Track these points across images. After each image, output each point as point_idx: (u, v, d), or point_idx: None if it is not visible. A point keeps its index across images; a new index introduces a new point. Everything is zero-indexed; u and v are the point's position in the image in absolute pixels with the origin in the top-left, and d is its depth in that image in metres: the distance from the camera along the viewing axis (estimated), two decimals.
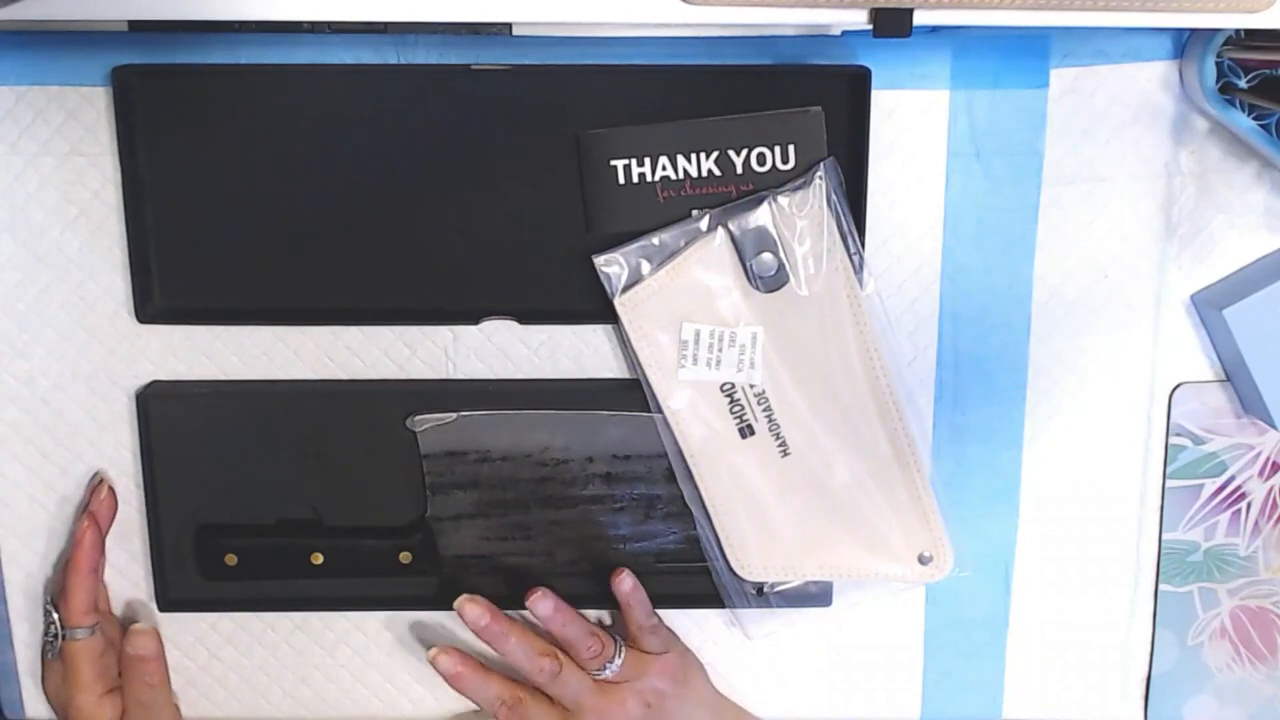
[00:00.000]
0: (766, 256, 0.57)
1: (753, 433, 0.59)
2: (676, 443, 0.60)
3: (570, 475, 0.61)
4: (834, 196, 0.56)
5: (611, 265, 0.58)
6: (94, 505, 0.60)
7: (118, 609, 0.63)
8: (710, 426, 0.59)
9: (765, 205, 0.57)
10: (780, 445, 0.60)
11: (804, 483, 0.60)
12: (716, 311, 0.58)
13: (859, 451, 0.60)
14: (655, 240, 0.57)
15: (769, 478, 0.60)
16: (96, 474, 0.61)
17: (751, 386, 0.59)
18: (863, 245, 0.57)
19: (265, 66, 0.56)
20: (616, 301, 0.58)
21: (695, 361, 0.58)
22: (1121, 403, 0.63)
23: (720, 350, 0.58)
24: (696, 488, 0.60)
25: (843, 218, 0.57)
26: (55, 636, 0.59)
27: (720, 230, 0.57)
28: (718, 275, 0.57)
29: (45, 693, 0.62)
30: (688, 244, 0.57)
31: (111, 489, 0.61)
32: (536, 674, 0.59)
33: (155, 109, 0.56)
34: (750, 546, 0.61)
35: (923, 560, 0.61)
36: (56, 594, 0.60)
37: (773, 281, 0.57)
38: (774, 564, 0.61)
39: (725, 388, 0.59)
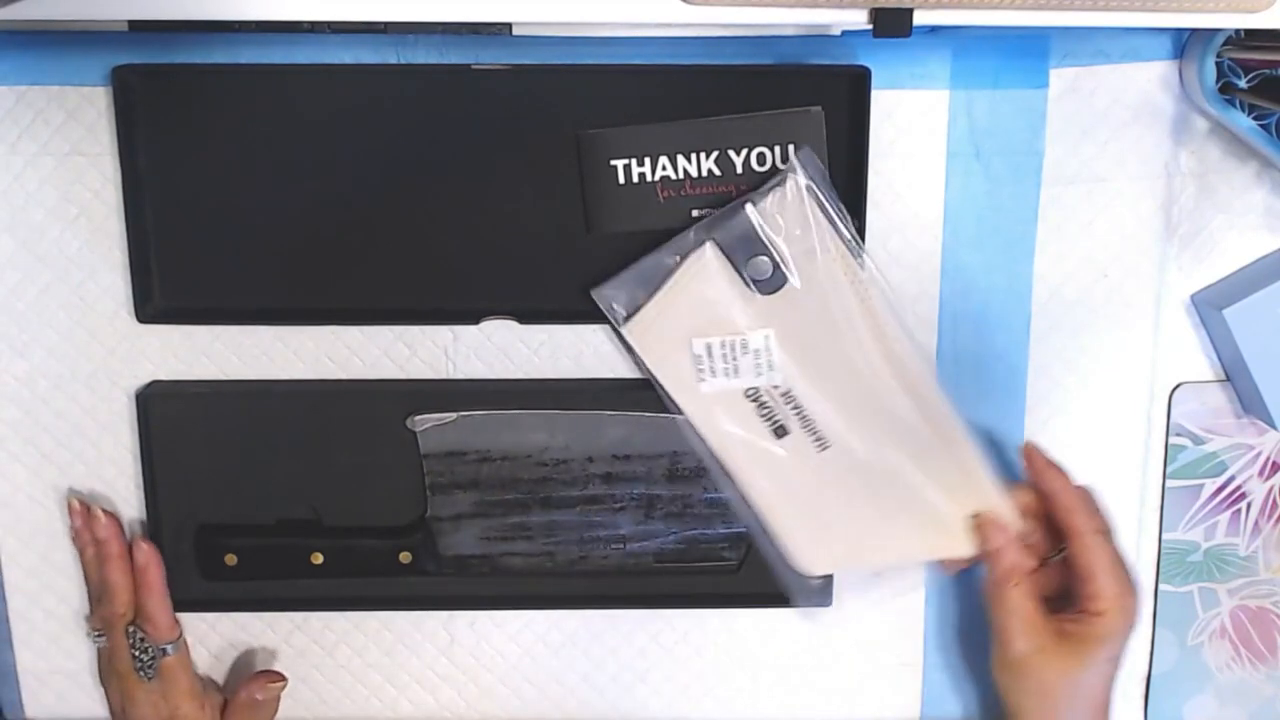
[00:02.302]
0: (760, 260, 0.57)
1: (786, 432, 0.59)
2: (716, 456, 0.59)
3: (570, 475, 0.61)
4: (814, 186, 0.56)
5: (610, 296, 0.58)
6: (106, 529, 0.60)
7: None
8: (744, 433, 0.59)
9: (746, 210, 0.56)
10: (816, 440, 0.59)
11: (848, 472, 0.59)
12: (724, 322, 0.58)
13: (894, 430, 0.58)
14: (648, 262, 0.57)
15: (812, 472, 0.59)
16: (75, 502, 0.61)
17: (775, 387, 0.58)
18: (862, 240, 0.57)
19: (265, 66, 0.56)
20: (624, 330, 0.58)
21: (714, 373, 0.58)
22: (1121, 403, 0.63)
23: (735, 359, 0.58)
24: (745, 495, 0.60)
25: (827, 204, 0.56)
26: (152, 657, 0.60)
27: (708, 244, 0.57)
28: (716, 287, 0.57)
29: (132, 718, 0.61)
30: (681, 260, 0.57)
31: (102, 510, 0.61)
32: (1093, 517, 0.56)
33: (155, 109, 0.56)
34: (807, 544, 0.60)
35: None
36: (132, 619, 0.60)
37: (771, 283, 0.57)
38: (834, 556, 0.61)
39: (750, 393, 0.59)
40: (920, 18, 0.51)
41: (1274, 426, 0.61)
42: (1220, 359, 0.62)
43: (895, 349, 0.58)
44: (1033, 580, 0.57)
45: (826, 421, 0.59)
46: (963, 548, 0.59)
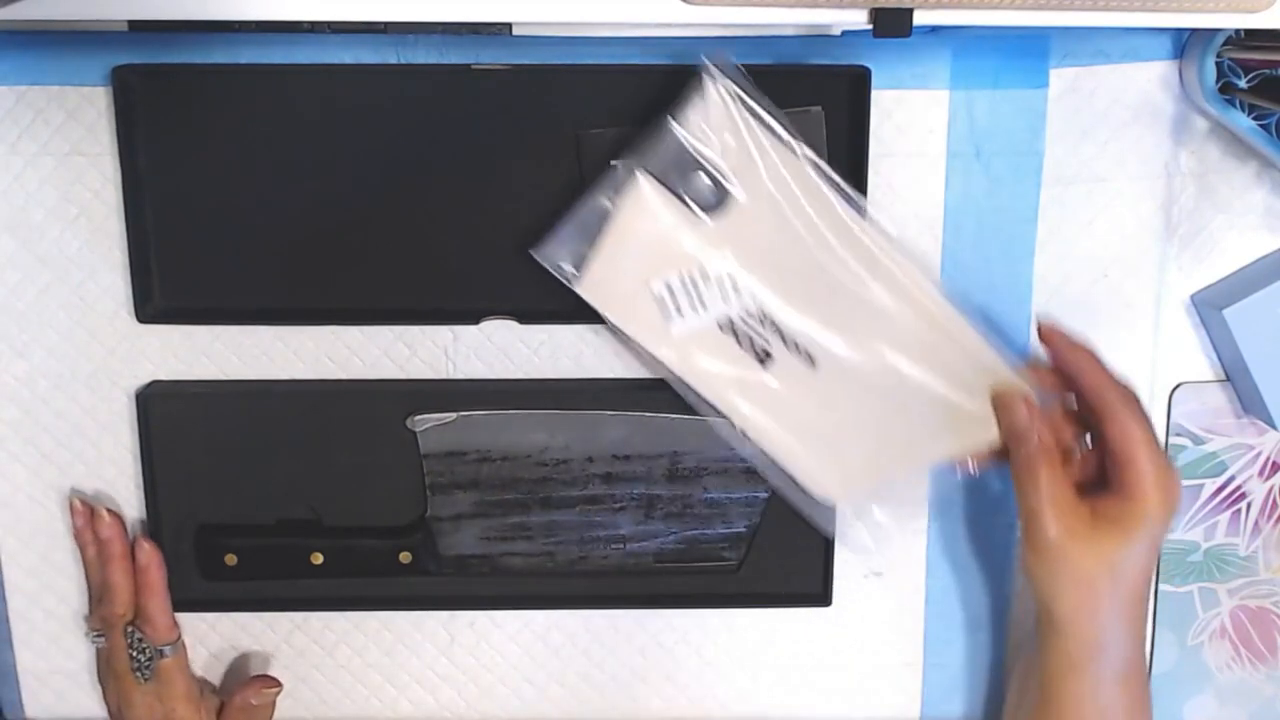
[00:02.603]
0: (697, 178, 0.54)
1: (770, 356, 0.56)
2: (710, 403, 0.57)
3: (570, 475, 0.61)
4: (736, 88, 0.53)
5: (554, 254, 0.55)
6: (110, 528, 0.60)
7: None
8: (729, 368, 0.56)
9: (671, 131, 0.53)
10: (804, 358, 0.56)
11: (846, 384, 0.56)
12: (677, 255, 0.55)
13: (884, 329, 0.55)
14: (583, 209, 0.55)
15: (809, 394, 0.56)
16: (78, 502, 0.61)
17: (748, 311, 0.55)
18: (865, 197, 0.55)
19: (265, 66, 0.56)
20: (578, 289, 0.55)
21: (680, 312, 0.55)
22: None
23: (698, 291, 0.55)
24: (751, 439, 0.57)
25: (755, 105, 0.53)
26: (150, 659, 0.60)
27: (639, 173, 0.54)
28: (659, 219, 0.54)
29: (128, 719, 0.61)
30: (615, 198, 0.54)
31: (107, 509, 0.61)
32: (1125, 393, 0.53)
33: (155, 109, 0.56)
34: (825, 471, 0.57)
35: None
36: (131, 619, 0.60)
37: (717, 200, 0.54)
38: (855, 476, 0.58)
39: (723, 325, 0.56)
40: (920, 18, 0.51)
41: (1274, 426, 0.61)
42: (1220, 359, 0.62)
43: (860, 235, 0.54)
44: (1063, 464, 0.54)
45: (809, 335, 0.56)
46: (985, 435, 0.56)
